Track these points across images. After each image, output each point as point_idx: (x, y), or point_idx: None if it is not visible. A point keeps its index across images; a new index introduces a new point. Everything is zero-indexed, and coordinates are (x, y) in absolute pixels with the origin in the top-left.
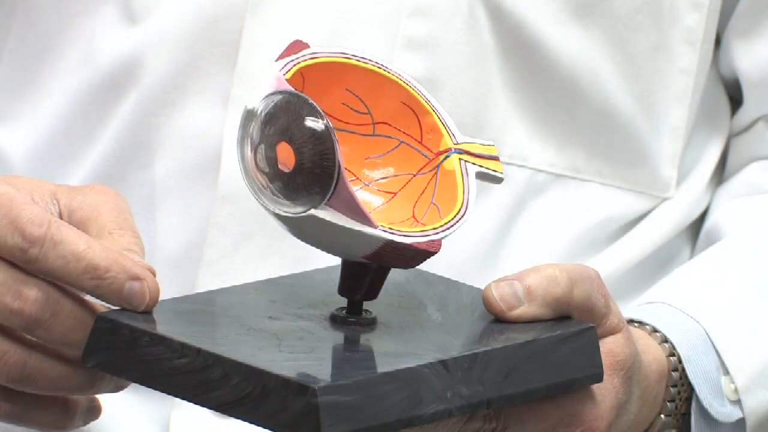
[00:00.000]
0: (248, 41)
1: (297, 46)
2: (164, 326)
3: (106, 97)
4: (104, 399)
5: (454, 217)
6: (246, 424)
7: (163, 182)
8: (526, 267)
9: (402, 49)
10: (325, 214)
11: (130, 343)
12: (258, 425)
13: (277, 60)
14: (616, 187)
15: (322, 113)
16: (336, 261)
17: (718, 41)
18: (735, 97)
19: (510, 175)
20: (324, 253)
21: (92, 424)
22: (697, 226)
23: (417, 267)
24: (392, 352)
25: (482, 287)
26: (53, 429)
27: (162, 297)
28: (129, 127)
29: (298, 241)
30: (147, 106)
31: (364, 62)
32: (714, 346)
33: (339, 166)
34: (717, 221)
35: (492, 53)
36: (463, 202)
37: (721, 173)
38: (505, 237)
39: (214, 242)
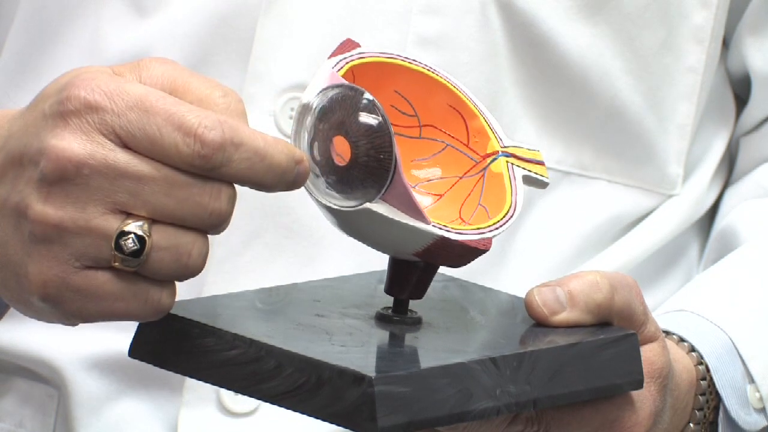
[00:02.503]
0: (261, 39)
1: (348, 44)
2: (214, 318)
3: None
4: (111, 399)
5: (504, 217)
6: (255, 423)
7: None
8: (534, 264)
9: (413, 46)
10: (379, 207)
11: (180, 335)
12: (311, 416)
13: (329, 58)
14: (623, 185)
15: (380, 107)
16: (356, 263)
17: (725, 39)
18: (741, 95)
19: None
20: (335, 251)
21: (101, 424)
22: (704, 222)
23: (451, 273)
24: (441, 349)
25: (494, 285)
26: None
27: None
28: None
29: (308, 240)
30: None
31: (413, 64)
32: (739, 355)
33: (396, 160)
34: (732, 224)
35: (503, 51)
36: (511, 204)
37: (724, 169)
38: (513, 234)
39: (222, 240)
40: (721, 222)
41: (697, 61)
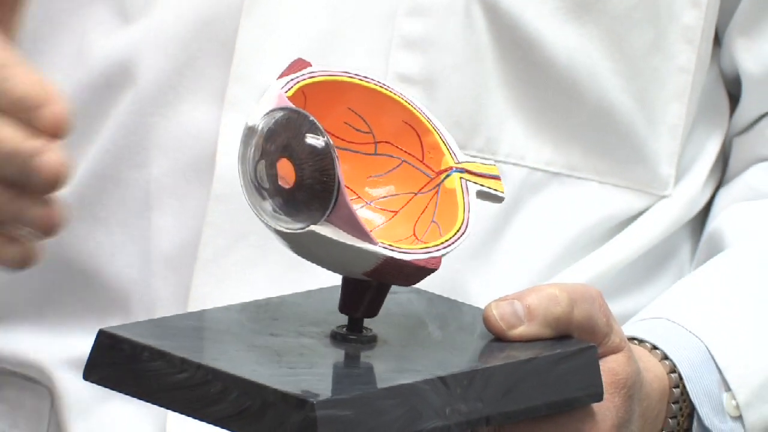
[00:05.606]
0: (244, 42)
1: (299, 64)
2: (165, 341)
3: (99, 97)
4: (100, 402)
5: (454, 234)
6: None
7: (158, 182)
8: (523, 265)
9: (398, 49)
10: (324, 230)
11: (131, 359)
12: None
13: (278, 78)
14: (613, 186)
15: (323, 130)
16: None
17: (717, 38)
18: (735, 94)
19: (506, 174)
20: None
21: (91, 426)
22: (696, 222)
23: (417, 286)
24: (392, 369)
25: (481, 287)
26: None
27: (158, 297)
28: (124, 126)
29: None
30: (142, 105)
31: (365, 81)
32: (715, 363)
33: (339, 183)
34: (719, 228)
35: (488, 52)
36: (463, 221)
37: (719, 170)
38: (502, 236)
39: (209, 242)
40: (710, 224)
41: (688, 61)
